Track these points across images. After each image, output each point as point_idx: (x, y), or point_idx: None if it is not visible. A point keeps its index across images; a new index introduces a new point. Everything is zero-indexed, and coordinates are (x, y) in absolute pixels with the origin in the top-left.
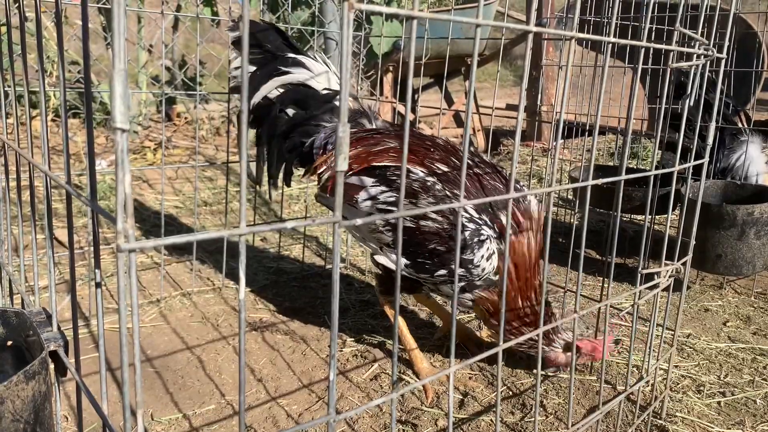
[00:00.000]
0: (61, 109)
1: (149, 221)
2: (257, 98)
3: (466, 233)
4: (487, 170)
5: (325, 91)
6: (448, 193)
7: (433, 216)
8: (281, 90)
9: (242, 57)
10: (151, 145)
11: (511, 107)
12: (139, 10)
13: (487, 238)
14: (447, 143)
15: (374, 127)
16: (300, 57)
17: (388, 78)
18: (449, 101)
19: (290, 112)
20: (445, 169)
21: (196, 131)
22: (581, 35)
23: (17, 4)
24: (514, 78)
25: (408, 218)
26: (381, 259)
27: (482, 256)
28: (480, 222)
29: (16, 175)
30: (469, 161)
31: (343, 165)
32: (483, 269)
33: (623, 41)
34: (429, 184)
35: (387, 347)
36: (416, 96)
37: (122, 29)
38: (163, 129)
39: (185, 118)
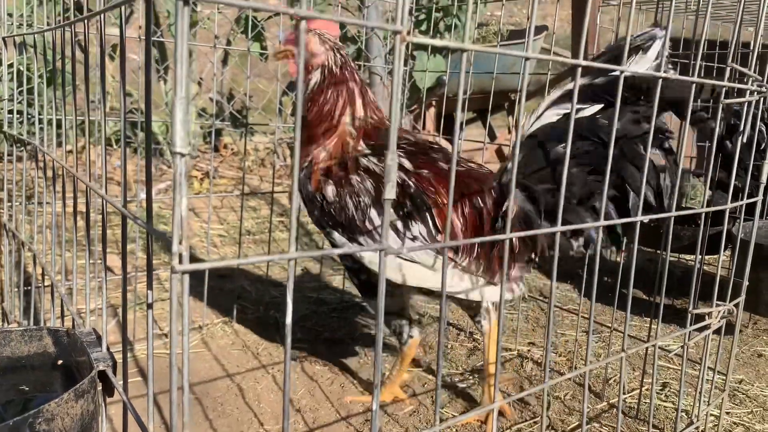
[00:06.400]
0: (121, 136)
1: (194, 248)
2: None
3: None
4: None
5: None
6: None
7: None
8: None
9: (297, 99)
10: (198, 174)
11: None
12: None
13: None
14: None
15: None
16: None
17: (431, 113)
18: (492, 136)
19: None
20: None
21: (243, 162)
22: (632, 70)
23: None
24: None
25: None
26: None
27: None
28: None
29: (73, 201)
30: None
31: (391, 193)
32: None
33: (673, 76)
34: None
35: (423, 381)
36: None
37: (185, 59)
38: (212, 159)
39: (231, 149)
